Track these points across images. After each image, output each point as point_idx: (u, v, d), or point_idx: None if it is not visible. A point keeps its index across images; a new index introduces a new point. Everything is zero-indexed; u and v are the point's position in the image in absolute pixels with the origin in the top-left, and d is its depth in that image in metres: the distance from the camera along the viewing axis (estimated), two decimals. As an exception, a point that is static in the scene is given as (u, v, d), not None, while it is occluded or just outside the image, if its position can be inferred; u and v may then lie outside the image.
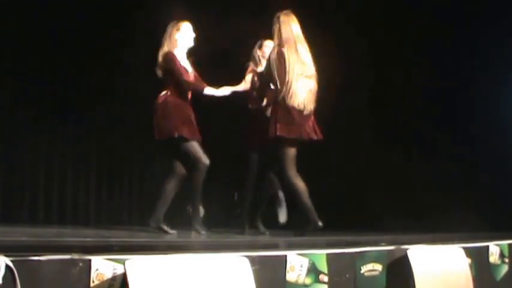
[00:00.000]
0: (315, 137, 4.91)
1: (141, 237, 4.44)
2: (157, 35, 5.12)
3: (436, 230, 5.78)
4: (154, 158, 7.40)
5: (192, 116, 4.97)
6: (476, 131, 6.87)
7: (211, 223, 5.49)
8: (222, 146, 6.28)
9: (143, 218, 5.48)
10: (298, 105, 4.81)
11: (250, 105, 5.41)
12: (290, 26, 4.90)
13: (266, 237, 5.13)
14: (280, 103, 4.84)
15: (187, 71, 4.99)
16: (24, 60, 6.50)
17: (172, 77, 4.91)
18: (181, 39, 4.97)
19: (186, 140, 4.85)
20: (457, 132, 6.95)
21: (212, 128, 5.86)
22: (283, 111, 4.82)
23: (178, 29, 4.96)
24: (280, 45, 4.90)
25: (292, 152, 4.88)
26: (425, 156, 7.12)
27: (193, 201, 4.96)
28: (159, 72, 5.00)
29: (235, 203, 7.65)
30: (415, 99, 7.25)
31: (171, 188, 4.92)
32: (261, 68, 5.37)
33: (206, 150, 5.02)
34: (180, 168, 4.93)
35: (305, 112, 4.85)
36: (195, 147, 4.88)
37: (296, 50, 4.87)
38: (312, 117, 4.97)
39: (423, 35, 7.20)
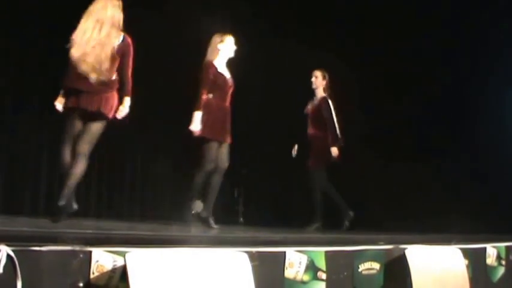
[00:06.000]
0: None
1: (142, 230, 4.45)
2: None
3: (435, 230, 5.80)
4: (154, 151, 7.40)
5: None
6: (476, 133, 6.87)
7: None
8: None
9: (144, 211, 5.47)
10: None
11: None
12: None
13: (266, 234, 5.14)
14: None
15: None
16: (27, 54, 6.52)
17: None
18: None
19: None
20: (456, 134, 6.95)
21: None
22: None
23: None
24: None
25: None
26: (424, 158, 7.13)
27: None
28: None
29: (235, 200, 7.71)
30: (414, 102, 7.25)
31: None
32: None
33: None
34: None
35: None
36: None
37: None
38: None
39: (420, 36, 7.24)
